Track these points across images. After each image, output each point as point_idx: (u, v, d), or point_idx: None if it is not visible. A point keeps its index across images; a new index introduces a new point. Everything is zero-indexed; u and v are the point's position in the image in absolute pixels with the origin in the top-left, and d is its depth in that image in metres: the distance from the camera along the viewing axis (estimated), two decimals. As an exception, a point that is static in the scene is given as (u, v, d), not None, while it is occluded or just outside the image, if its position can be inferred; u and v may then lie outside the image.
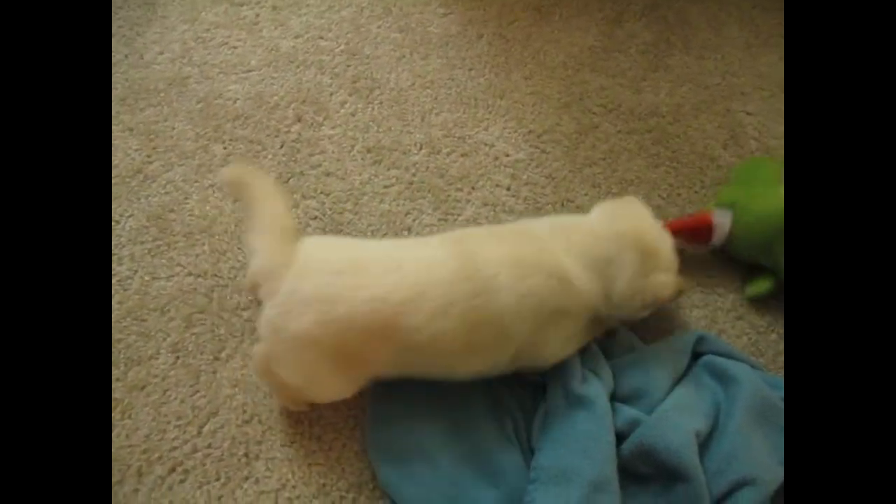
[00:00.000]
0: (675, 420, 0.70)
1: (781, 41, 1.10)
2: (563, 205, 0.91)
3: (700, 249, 0.85)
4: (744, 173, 0.87)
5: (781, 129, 1.01)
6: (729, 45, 1.09)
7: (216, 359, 0.77)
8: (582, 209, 0.87)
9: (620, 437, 0.71)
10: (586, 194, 0.92)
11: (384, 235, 0.88)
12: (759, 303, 0.84)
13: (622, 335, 0.80)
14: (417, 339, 0.64)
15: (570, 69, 1.04)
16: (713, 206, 0.85)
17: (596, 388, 0.73)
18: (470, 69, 1.03)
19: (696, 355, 0.80)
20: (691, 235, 0.84)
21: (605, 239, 0.72)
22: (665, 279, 0.74)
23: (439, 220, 0.89)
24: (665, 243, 0.75)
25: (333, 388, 0.69)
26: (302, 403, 0.74)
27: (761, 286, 0.84)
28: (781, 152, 0.98)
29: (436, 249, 0.68)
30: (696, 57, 1.07)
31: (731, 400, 0.74)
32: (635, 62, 1.06)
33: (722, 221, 0.82)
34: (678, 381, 0.76)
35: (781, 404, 0.74)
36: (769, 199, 0.81)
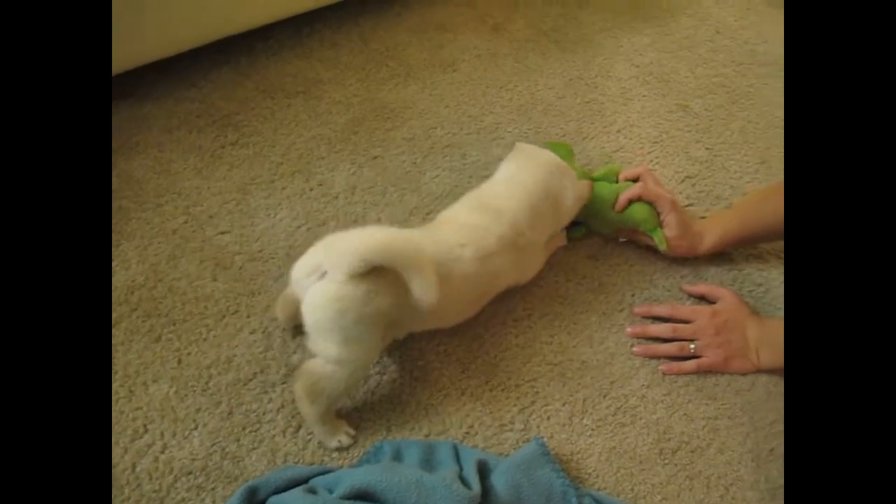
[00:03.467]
0: None
1: (228, 151, 1.13)
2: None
3: None
4: None
5: (254, 223, 1.03)
6: (181, 180, 1.09)
7: None
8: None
9: None
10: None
11: None
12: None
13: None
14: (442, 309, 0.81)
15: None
16: None
17: None
18: None
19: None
20: None
21: (542, 182, 0.92)
22: (581, 183, 0.98)
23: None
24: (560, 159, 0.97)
25: (375, 354, 0.83)
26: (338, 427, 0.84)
27: (579, 231, 1.06)
28: (263, 252, 1.00)
29: (464, 251, 0.85)
30: (154, 207, 1.05)
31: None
32: (95, 248, 1.00)
33: None
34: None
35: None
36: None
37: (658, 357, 0.96)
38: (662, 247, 1.01)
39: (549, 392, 0.91)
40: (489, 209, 0.90)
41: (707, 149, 1.25)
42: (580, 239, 1.07)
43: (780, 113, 1.34)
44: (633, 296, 1.02)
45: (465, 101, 1.26)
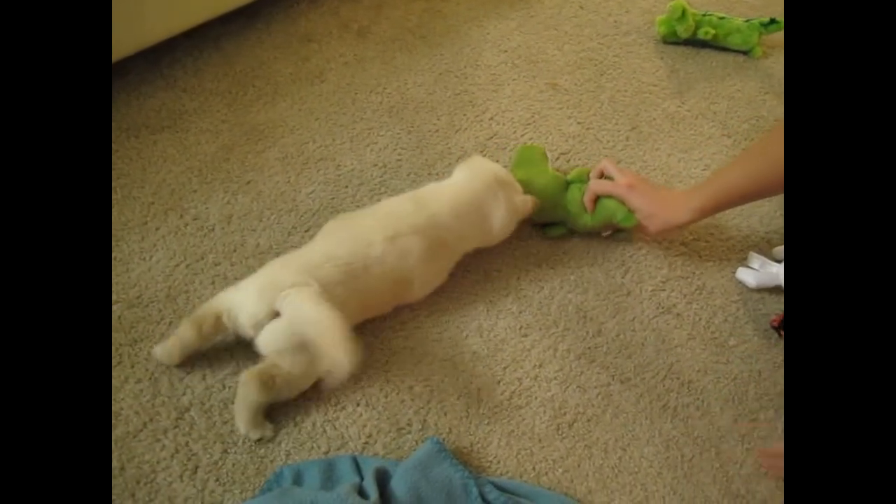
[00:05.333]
0: None
1: None
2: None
3: None
4: (520, 159, 1.10)
5: (129, 268, 1.01)
6: (48, 235, 1.05)
7: None
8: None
9: None
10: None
11: None
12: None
13: None
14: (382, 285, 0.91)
15: None
16: None
17: None
18: None
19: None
20: None
21: (473, 189, 0.98)
22: (523, 198, 1.01)
23: None
24: (510, 174, 1.02)
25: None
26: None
27: (559, 230, 1.09)
28: (142, 297, 0.98)
29: (383, 245, 0.90)
30: (23, 268, 1.02)
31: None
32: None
33: None
34: None
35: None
36: (544, 174, 1.06)
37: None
38: (629, 224, 1.01)
39: (443, 388, 0.92)
40: (416, 200, 0.97)
41: (579, 123, 1.29)
42: (558, 237, 1.10)
43: (647, 78, 1.39)
44: (518, 279, 1.04)
45: (336, 110, 1.25)
